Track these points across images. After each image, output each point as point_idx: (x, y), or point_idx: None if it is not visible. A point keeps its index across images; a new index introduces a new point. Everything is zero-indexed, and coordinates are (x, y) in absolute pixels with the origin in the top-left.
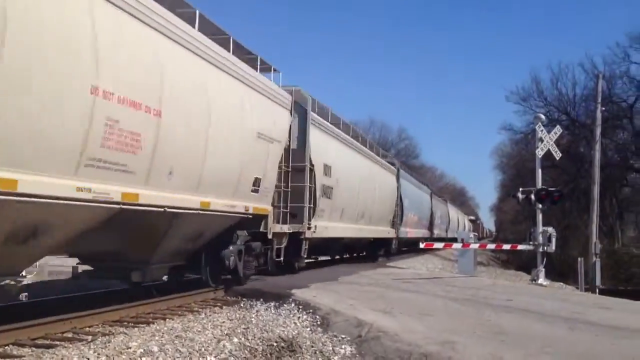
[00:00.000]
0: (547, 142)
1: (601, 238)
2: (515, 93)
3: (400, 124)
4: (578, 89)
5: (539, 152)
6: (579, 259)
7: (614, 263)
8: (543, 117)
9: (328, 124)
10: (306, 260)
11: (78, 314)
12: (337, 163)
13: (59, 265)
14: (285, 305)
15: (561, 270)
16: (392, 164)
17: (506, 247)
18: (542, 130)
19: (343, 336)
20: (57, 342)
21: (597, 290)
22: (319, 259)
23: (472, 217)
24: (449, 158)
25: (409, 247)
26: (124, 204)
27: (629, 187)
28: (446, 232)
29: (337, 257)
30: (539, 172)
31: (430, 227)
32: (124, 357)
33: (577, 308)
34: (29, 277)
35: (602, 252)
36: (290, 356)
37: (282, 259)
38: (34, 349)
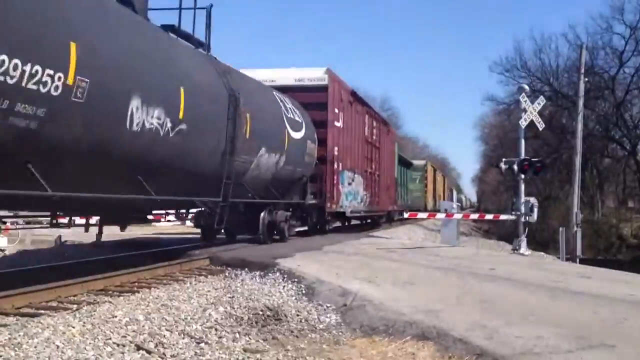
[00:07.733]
0: (531, 112)
1: (581, 208)
2: (498, 63)
3: (383, 94)
4: (561, 60)
5: (523, 123)
6: (561, 228)
7: (594, 233)
8: (527, 87)
9: None
10: None
11: (62, 283)
12: None
13: (42, 235)
14: (270, 274)
15: (541, 240)
16: None
17: (489, 217)
18: (525, 101)
19: (328, 305)
20: (42, 311)
21: (578, 260)
22: None
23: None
24: (432, 129)
25: None
26: None
27: (610, 158)
28: None
29: None
30: (522, 142)
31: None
32: (109, 325)
33: (558, 277)
34: (11, 246)
35: (582, 222)
36: (276, 324)
37: None
38: (18, 317)
